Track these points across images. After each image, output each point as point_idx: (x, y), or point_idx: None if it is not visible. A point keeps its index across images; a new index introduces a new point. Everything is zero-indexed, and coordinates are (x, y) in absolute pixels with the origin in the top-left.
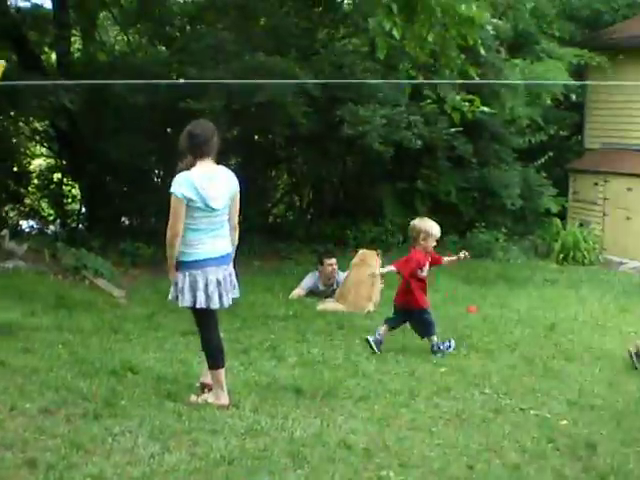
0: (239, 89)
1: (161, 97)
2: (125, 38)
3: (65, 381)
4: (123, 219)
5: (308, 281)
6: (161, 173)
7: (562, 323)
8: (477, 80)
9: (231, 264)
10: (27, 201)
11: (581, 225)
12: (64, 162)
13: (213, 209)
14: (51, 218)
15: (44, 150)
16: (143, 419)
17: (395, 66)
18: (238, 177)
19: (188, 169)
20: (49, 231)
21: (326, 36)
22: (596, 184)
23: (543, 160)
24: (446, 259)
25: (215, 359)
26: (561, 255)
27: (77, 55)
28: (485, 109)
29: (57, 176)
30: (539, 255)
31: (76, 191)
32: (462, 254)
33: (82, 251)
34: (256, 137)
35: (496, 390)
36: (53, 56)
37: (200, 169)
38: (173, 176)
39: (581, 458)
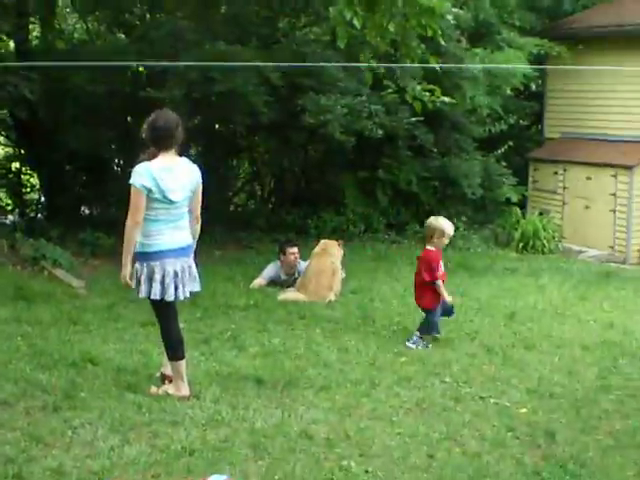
0: (200, 78)
1: (121, 86)
2: (84, 26)
3: (24, 373)
4: (83, 208)
5: (270, 270)
6: (121, 162)
7: (522, 312)
8: (438, 69)
9: (191, 256)
10: None
11: (541, 214)
12: (22, 151)
13: (171, 201)
14: (9, 208)
15: (1, 139)
16: (103, 411)
17: (356, 55)
18: (199, 166)
19: (150, 160)
20: (7, 221)
21: (287, 25)
22: (556, 173)
23: (503, 149)
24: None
25: (175, 350)
26: (521, 244)
27: (35, 43)
28: (445, 99)
29: (15, 165)
30: (499, 244)
31: (35, 180)
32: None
33: (41, 241)
34: (217, 126)
35: (456, 379)
36: (11, 44)
37: (161, 160)
38: (133, 166)
39: (540, 446)
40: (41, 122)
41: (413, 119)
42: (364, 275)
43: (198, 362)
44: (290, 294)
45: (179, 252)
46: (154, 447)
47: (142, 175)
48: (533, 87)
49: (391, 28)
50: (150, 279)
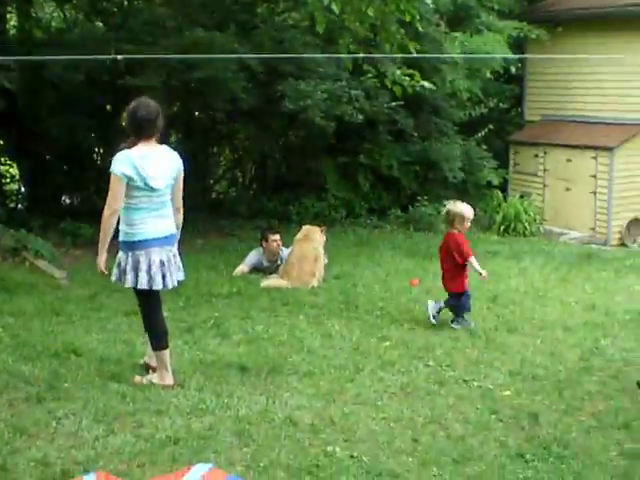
0: (179, 65)
1: (100, 74)
2: (61, 14)
3: (7, 365)
4: (64, 198)
5: (252, 257)
6: (101, 151)
7: (504, 295)
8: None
9: (176, 245)
10: None
11: (522, 197)
12: (1, 142)
13: (153, 189)
14: None
15: None
16: (87, 401)
17: (335, 41)
18: (179, 154)
19: (130, 148)
20: None
21: (266, 10)
22: (536, 156)
23: (484, 133)
24: None
25: (159, 340)
26: (502, 227)
27: (13, 33)
28: (425, 84)
29: None
30: (481, 227)
31: (14, 171)
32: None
33: (22, 232)
34: (196, 113)
35: (440, 363)
36: None
37: (142, 148)
38: (114, 154)
39: (524, 428)
40: (20, 112)
41: (393, 104)
42: (347, 260)
43: (182, 351)
44: (273, 281)
45: (163, 241)
46: (139, 436)
47: (123, 163)
48: (513, 70)
49: (370, 13)
50: (136, 269)
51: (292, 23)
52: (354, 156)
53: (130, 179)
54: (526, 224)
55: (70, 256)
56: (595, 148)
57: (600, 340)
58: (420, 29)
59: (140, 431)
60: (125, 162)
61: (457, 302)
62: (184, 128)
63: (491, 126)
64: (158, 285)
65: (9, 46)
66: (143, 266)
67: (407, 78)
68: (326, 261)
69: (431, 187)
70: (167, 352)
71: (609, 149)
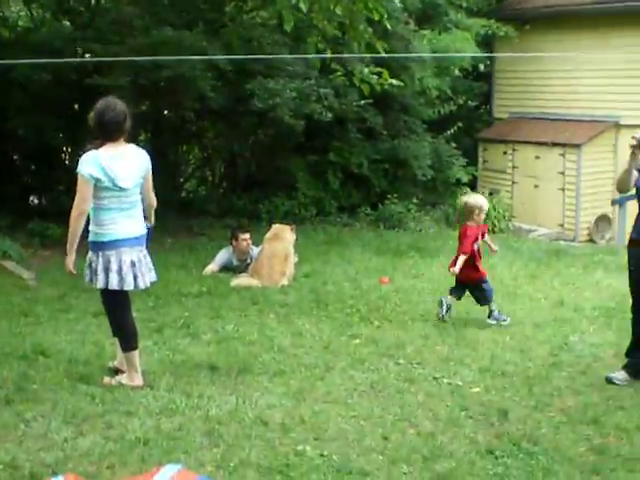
0: (146, 64)
1: (68, 74)
2: (28, 13)
3: None
4: (32, 198)
5: (222, 256)
6: (69, 150)
7: None
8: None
9: (144, 246)
10: None
11: (491, 194)
12: None
13: (122, 188)
14: None
15: None
16: (56, 403)
17: (304, 39)
18: (148, 153)
19: (98, 149)
20: None
21: (234, 9)
22: (505, 153)
23: (453, 130)
24: (487, 237)
25: (128, 341)
26: None
27: None
28: (393, 82)
29: None
30: (451, 225)
31: None
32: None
33: None
34: (165, 112)
35: (410, 360)
36: None
37: (109, 148)
38: (82, 154)
39: (494, 425)
40: None
41: (362, 102)
42: (317, 259)
43: (151, 351)
44: (243, 280)
45: (134, 241)
46: (108, 438)
47: (89, 164)
48: (481, 68)
49: (338, 11)
50: (107, 269)
51: (260, 22)
52: (324, 154)
53: (98, 180)
54: (495, 221)
55: (38, 257)
56: (563, 145)
57: (569, 336)
58: (389, 27)
59: (109, 432)
60: (92, 163)
61: (483, 290)
62: (153, 127)
63: (460, 124)
64: (129, 285)
65: None
66: (114, 266)
67: (375, 76)
68: (296, 259)
69: (401, 185)
70: (137, 353)
71: (577, 146)
